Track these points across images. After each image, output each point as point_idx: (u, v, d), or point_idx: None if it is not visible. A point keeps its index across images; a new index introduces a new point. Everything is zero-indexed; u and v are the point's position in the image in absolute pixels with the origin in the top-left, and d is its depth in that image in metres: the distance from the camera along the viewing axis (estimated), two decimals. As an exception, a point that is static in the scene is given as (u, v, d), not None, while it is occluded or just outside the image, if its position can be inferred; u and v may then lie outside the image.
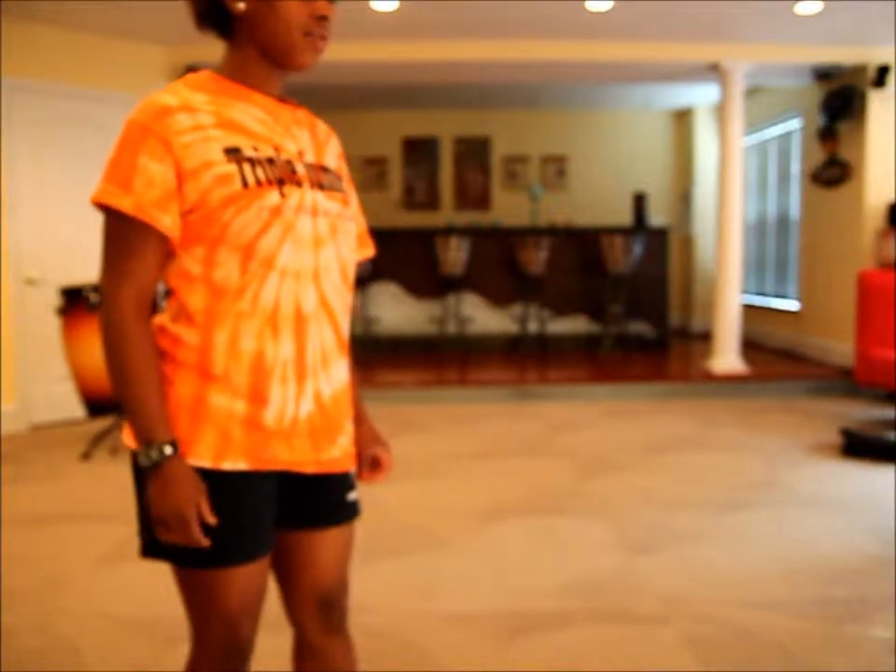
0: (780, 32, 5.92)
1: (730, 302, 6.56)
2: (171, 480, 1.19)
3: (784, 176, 8.11)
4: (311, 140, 1.37)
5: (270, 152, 1.27)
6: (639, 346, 7.98)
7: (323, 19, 1.31)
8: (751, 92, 7.55)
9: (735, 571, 2.95)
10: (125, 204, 1.18)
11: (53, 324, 4.69)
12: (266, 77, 1.32)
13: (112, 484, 4.04)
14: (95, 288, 4.57)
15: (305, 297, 1.28)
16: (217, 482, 1.24)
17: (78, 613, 2.61)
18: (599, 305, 7.99)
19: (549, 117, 9.61)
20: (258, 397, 1.25)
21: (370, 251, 1.53)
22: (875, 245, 6.36)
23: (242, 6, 1.27)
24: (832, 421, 5.26)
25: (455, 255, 7.65)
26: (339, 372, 1.37)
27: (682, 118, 9.65)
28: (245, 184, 1.21)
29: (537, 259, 7.67)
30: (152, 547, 1.27)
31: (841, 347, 6.66)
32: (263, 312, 1.24)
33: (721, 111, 6.65)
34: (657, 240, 8.05)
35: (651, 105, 9.45)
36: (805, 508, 3.65)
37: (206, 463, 1.24)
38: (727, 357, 6.55)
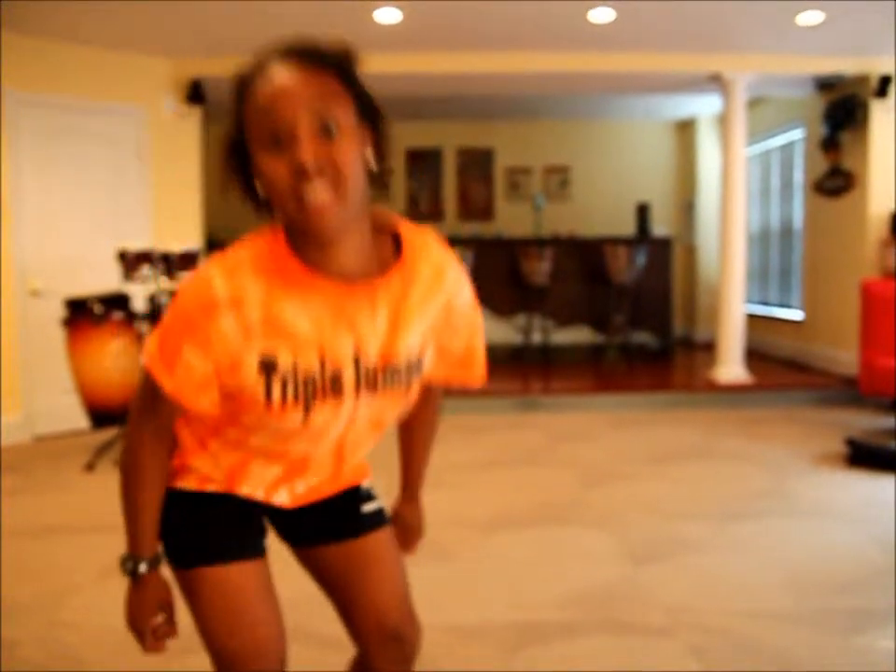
0: (782, 42, 5.94)
1: (733, 312, 6.55)
2: (139, 594, 1.30)
3: (787, 186, 8.12)
4: (386, 328, 1.19)
5: (312, 365, 1.15)
6: (643, 356, 7.97)
7: (301, 170, 1.02)
8: (754, 103, 7.56)
9: (740, 581, 2.94)
10: (166, 384, 1.16)
11: (57, 335, 4.70)
12: (323, 254, 1.13)
13: (115, 495, 4.01)
14: (100, 300, 4.58)
15: (316, 451, 1.31)
16: (198, 497, 1.33)
17: (82, 625, 2.61)
18: (603, 315, 7.99)
19: (552, 128, 9.63)
20: (232, 482, 1.34)
21: (473, 379, 1.38)
22: (878, 254, 6.35)
23: (260, 189, 1.11)
24: (836, 430, 5.25)
25: (459, 265, 7.65)
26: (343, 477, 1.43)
27: (685, 128, 9.67)
28: (268, 400, 1.16)
29: (540, 269, 7.68)
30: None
31: (845, 356, 6.64)
32: (264, 453, 1.31)
33: (723, 121, 6.66)
34: (660, 250, 8.06)
35: (654, 116, 9.47)
36: (810, 518, 3.64)
37: (191, 487, 1.34)
38: (731, 367, 6.54)
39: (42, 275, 5.42)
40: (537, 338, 7.98)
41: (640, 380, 7.08)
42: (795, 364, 7.56)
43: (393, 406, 1.27)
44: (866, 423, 5.59)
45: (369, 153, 1.14)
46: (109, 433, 4.87)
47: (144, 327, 4.75)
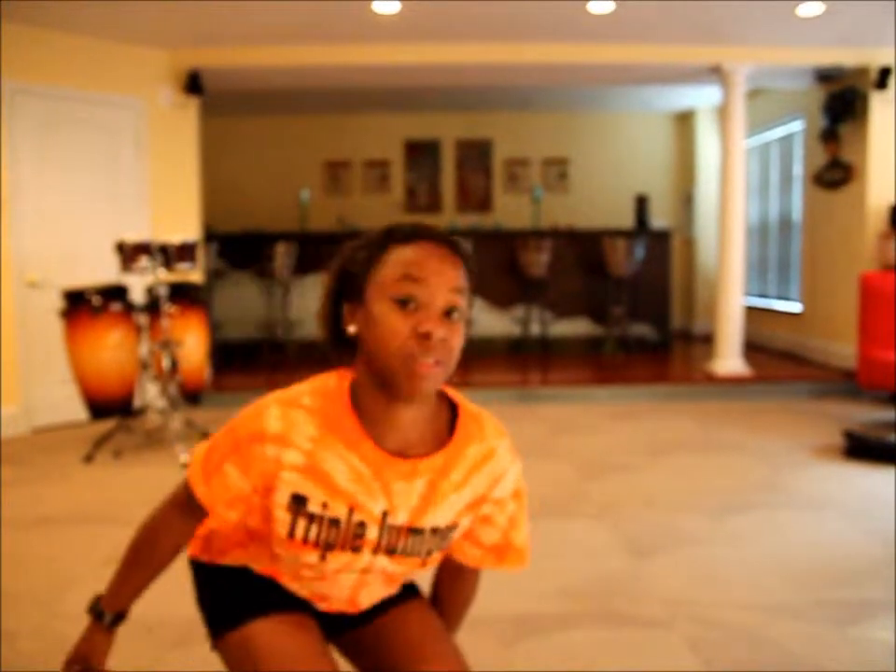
0: (782, 34, 5.92)
1: (732, 304, 6.55)
2: (89, 637, 1.34)
3: (786, 178, 8.11)
4: (420, 497, 1.23)
5: (341, 512, 1.20)
6: (641, 348, 7.98)
7: (425, 337, 1.10)
8: (753, 94, 7.55)
9: (738, 573, 2.94)
10: (200, 493, 1.24)
11: (55, 326, 4.69)
12: (383, 414, 1.18)
13: (114, 487, 4.04)
14: (98, 291, 4.58)
15: (329, 591, 1.32)
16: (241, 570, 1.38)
17: (81, 615, 2.59)
18: (601, 307, 8.00)
19: (550, 119, 9.61)
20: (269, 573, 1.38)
21: (509, 567, 1.36)
22: (876, 246, 6.35)
23: (353, 329, 1.17)
24: (834, 423, 5.26)
25: (457, 257, 7.65)
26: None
27: (684, 120, 9.65)
28: (291, 535, 1.22)
29: (538, 261, 7.67)
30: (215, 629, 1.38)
31: (843, 349, 6.65)
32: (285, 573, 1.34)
33: (722, 113, 6.65)
34: (659, 242, 8.06)
35: (653, 108, 9.45)
36: (808, 510, 3.65)
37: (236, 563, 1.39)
38: (729, 359, 6.55)
39: (40, 267, 5.41)
40: (535, 330, 7.99)
41: (639, 372, 7.08)
42: (794, 357, 7.57)
43: (407, 570, 1.31)
44: (864, 416, 5.60)
45: None
46: (108, 424, 4.87)
47: (142, 318, 4.75)
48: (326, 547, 1.22)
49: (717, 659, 2.31)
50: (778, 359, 7.46)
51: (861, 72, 6.34)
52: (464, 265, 1.18)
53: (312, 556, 1.23)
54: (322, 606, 1.37)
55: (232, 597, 1.34)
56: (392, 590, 1.38)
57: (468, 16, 5.48)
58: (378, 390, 1.16)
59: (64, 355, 4.65)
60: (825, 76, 6.57)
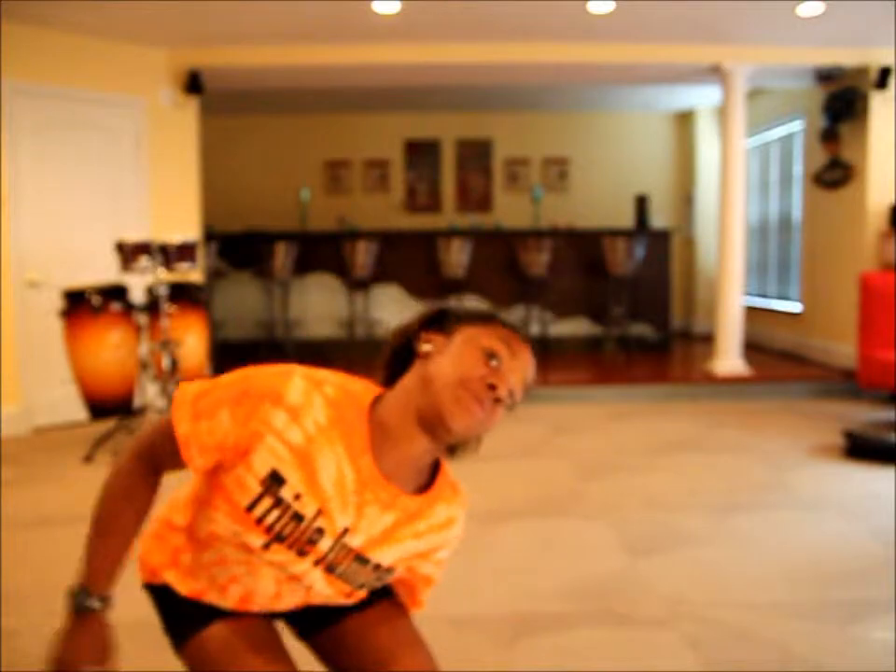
0: (782, 34, 5.92)
1: (732, 304, 6.55)
2: (78, 633, 1.23)
3: (786, 178, 8.11)
4: (384, 530, 1.24)
5: (309, 510, 1.18)
6: (641, 348, 7.97)
7: (491, 388, 1.16)
8: (753, 94, 7.55)
9: (737, 573, 2.94)
10: (182, 430, 1.21)
11: (56, 326, 4.69)
12: (396, 436, 1.20)
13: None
14: (98, 290, 4.58)
15: (256, 586, 1.29)
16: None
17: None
18: (601, 307, 7.99)
19: (550, 119, 9.61)
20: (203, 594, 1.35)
21: (415, 606, 1.43)
22: (876, 246, 6.35)
23: (428, 347, 1.21)
24: (834, 423, 5.26)
25: (457, 257, 7.66)
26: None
27: (684, 119, 9.65)
28: (249, 509, 1.19)
29: (538, 261, 7.67)
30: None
31: (843, 349, 6.65)
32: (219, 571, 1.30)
33: (722, 113, 6.65)
34: (659, 242, 8.05)
35: (653, 107, 9.45)
36: (808, 510, 3.65)
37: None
38: (729, 359, 6.55)
39: (40, 267, 5.41)
40: (535, 330, 7.98)
41: (639, 372, 7.08)
42: (793, 356, 7.57)
43: (331, 596, 1.29)
44: (864, 415, 5.60)
45: None
46: (108, 424, 4.87)
47: (142, 318, 4.75)
48: (276, 537, 1.19)
49: (717, 659, 2.31)
50: (778, 359, 7.46)
51: (861, 72, 6.33)
52: (531, 372, 1.25)
53: (256, 540, 1.20)
54: (251, 608, 1.33)
55: (185, 608, 1.33)
56: (349, 601, 1.34)
57: (468, 16, 5.48)
58: (406, 414, 1.19)
59: (64, 355, 4.65)
60: (825, 76, 6.56)
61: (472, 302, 8.00)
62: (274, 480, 1.17)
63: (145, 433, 1.28)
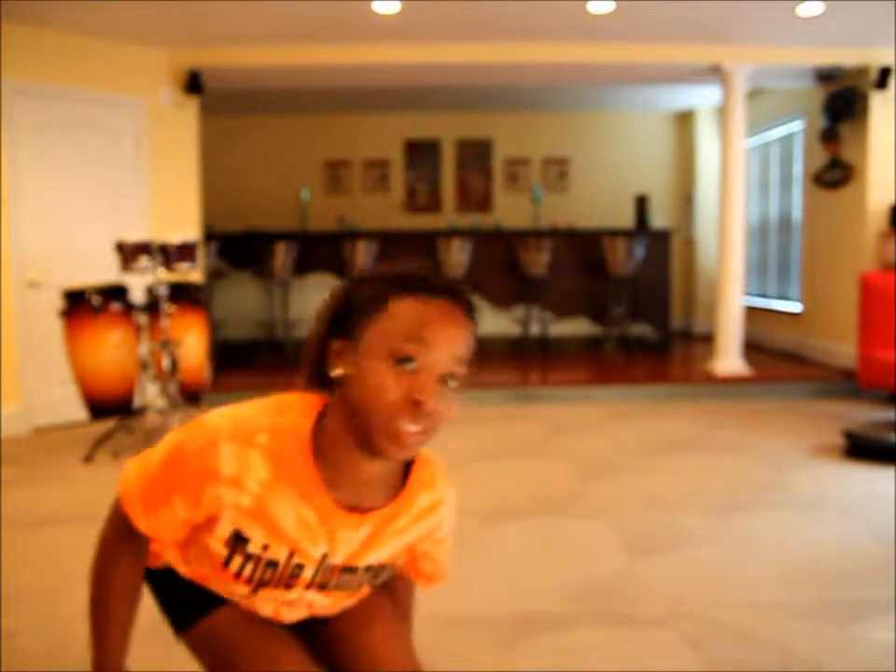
0: (782, 34, 5.92)
1: (732, 304, 6.55)
2: None
3: (786, 178, 8.11)
4: (362, 542, 1.21)
5: (280, 555, 1.18)
6: (641, 348, 7.97)
7: (417, 405, 1.03)
8: (753, 94, 7.55)
9: (737, 573, 2.94)
10: (143, 525, 1.19)
11: (55, 326, 4.69)
12: (346, 465, 1.13)
13: (114, 487, 4.03)
14: (98, 290, 4.58)
15: (261, 608, 1.29)
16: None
17: (81, 615, 2.60)
18: (601, 307, 7.99)
19: (550, 119, 9.61)
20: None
21: (437, 583, 1.41)
22: (876, 246, 6.35)
23: (339, 371, 1.09)
24: (834, 423, 5.25)
25: (457, 257, 7.66)
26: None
27: (684, 119, 9.65)
28: (225, 566, 1.20)
29: (538, 261, 7.67)
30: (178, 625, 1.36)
31: (843, 349, 6.65)
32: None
33: (722, 113, 6.65)
34: (659, 242, 8.05)
35: (653, 107, 9.45)
36: (807, 510, 3.65)
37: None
38: (729, 359, 6.55)
39: (40, 267, 5.40)
40: (535, 330, 7.98)
41: (638, 372, 7.08)
42: (793, 356, 7.57)
43: (336, 602, 1.30)
44: (864, 415, 5.60)
45: None
46: (108, 424, 4.87)
47: (142, 318, 4.75)
48: (259, 584, 1.21)
49: (717, 659, 2.31)
50: (778, 359, 7.46)
51: (861, 72, 6.33)
52: (474, 328, 1.11)
53: (242, 590, 1.23)
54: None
55: (189, 592, 1.32)
56: (351, 602, 1.34)
57: (468, 16, 5.48)
58: (348, 440, 1.10)
59: (64, 355, 4.65)
60: (825, 76, 6.56)
61: (475, 302, 7.99)
62: (238, 540, 1.17)
63: (112, 528, 1.25)
